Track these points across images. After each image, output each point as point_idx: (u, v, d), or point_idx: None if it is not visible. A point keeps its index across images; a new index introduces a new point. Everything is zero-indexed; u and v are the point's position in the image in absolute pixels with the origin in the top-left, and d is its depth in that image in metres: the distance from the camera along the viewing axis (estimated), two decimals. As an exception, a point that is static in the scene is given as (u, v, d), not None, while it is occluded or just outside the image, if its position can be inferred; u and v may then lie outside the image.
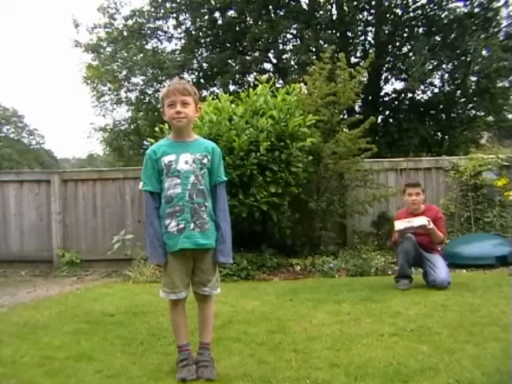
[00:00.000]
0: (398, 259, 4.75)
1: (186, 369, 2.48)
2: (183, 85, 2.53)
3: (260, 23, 13.66)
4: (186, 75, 15.32)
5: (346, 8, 13.74)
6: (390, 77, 14.47)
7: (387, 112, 14.78)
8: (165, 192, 2.51)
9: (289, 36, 14.73)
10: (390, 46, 14.06)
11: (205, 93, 14.54)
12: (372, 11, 13.95)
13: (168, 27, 15.51)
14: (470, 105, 13.86)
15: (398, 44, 14.21)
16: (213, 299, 2.66)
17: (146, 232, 2.57)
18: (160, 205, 2.54)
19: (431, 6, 13.27)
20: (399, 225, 4.66)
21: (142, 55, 15.01)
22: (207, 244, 2.52)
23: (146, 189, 2.56)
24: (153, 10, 14.70)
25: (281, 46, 14.66)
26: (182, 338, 2.59)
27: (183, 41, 15.47)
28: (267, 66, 15.25)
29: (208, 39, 14.92)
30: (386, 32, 13.74)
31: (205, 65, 14.46)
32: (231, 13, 14.44)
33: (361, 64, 7.40)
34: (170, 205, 2.49)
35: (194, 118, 2.61)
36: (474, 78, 13.35)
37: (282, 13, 14.00)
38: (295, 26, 13.39)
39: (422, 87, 13.58)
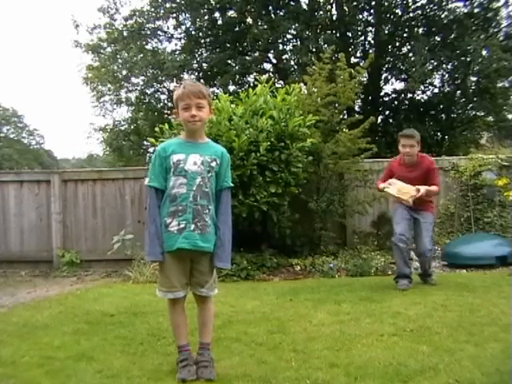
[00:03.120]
0: (396, 259, 4.77)
1: (186, 369, 2.48)
2: (198, 87, 2.53)
3: (260, 23, 13.67)
4: (185, 75, 15.33)
5: (345, 8, 13.73)
6: (390, 77, 14.47)
7: (387, 112, 14.78)
8: (169, 190, 2.50)
9: (289, 36, 14.73)
10: (390, 46, 14.06)
11: (205, 93, 14.53)
12: (372, 11, 13.95)
13: (168, 27, 15.53)
14: (470, 105, 13.86)
15: (398, 44, 14.20)
16: (212, 300, 2.66)
17: (147, 228, 2.56)
18: (161, 200, 2.54)
19: (431, 6, 13.27)
20: (392, 190, 4.61)
21: (141, 55, 15.02)
22: (205, 247, 2.51)
23: (151, 184, 2.54)
24: (153, 10, 14.70)
25: (281, 47, 14.67)
26: (181, 338, 2.59)
27: (183, 41, 15.47)
28: (267, 66, 15.27)
29: (208, 39, 14.92)
30: (386, 32, 13.73)
31: (205, 65, 14.45)
32: (231, 13, 14.44)
33: (361, 64, 7.40)
34: (174, 204, 2.48)
35: (207, 119, 2.63)
36: (473, 78, 13.34)
37: (281, 13, 14.00)
38: (295, 26, 13.38)
39: (422, 87, 13.58)
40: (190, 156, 2.50)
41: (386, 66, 14.32)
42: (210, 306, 2.65)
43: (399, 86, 14.64)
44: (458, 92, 13.73)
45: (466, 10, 12.99)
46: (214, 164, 2.54)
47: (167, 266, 2.53)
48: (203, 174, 2.50)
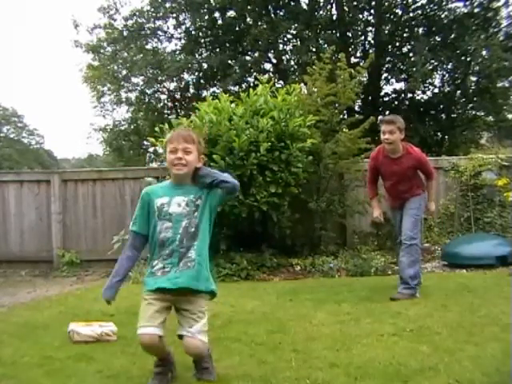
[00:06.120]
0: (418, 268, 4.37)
1: (159, 378, 2.40)
2: (188, 131, 2.52)
3: (260, 23, 13.67)
4: (185, 75, 15.33)
5: (346, 8, 13.74)
6: (390, 77, 14.47)
7: (387, 112, 14.73)
8: (157, 235, 2.42)
9: (289, 36, 14.74)
10: (390, 46, 14.05)
11: (205, 93, 14.56)
12: (372, 11, 13.95)
13: (168, 27, 15.52)
14: (470, 105, 13.85)
15: (398, 44, 14.20)
16: (201, 340, 2.37)
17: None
18: (141, 245, 2.51)
19: (431, 6, 13.27)
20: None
21: (141, 55, 15.02)
22: (187, 284, 2.35)
23: (132, 228, 2.52)
24: (153, 10, 14.70)
25: (281, 47, 14.67)
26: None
27: (183, 41, 15.47)
28: (267, 66, 15.27)
29: (208, 39, 14.92)
30: (386, 32, 13.74)
31: (205, 65, 14.46)
32: (231, 13, 14.44)
33: (361, 64, 7.40)
34: (161, 248, 2.41)
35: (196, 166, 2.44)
36: (473, 78, 13.35)
37: (281, 13, 14.00)
38: (295, 26, 13.39)
39: (422, 87, 13.59)
40: (173, 198, 2.43)
41: (386, 66, 14.31)
42: (199, 344, 2.36)
43: (399, 86, 14.65)
44: (458, 92, 13.73)
45: (466, 10, 13.00)
46: (198, 202, 2.42)
47: (144, 302, 2.43)
48: (189, 216, 2.40)
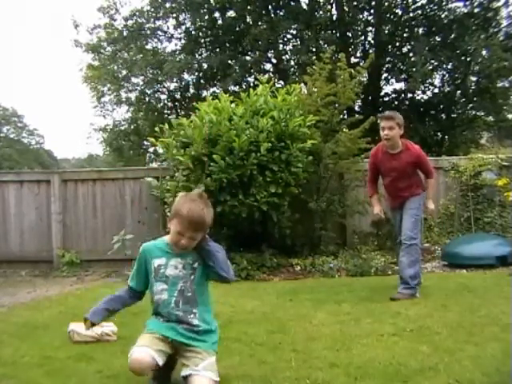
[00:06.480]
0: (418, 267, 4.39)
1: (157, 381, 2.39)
2: (202, 219, 2.27)
3: (260, 23, 13.68)
4: (186, 75, 15.34)
5: (346, 8, 13.75)
6: (390, 77, 14.48)
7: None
8: (153, 295, 2.40)
9: (289, 36, 14.75)
10: (390, 46, 14.07)
11: (205, 93, 14.56)
12: (372, 11, 13.96)
13: (168, 27, 15.57)
14: (470, 105, 13.88)
15: (397, 44, 14.22)
16: (210, 379, 2.21)
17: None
18: (137, 298, 2.51)
19: (431, 6, 13.30)
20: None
21: (141, 55, 15.04)
22: (195, 343, 2.30)
23: (129, 284, 2.51)
24: (153, 10, 14.72)
25: (281, 47, 14.68)
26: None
27: (183, 41, 15.50)
28: (267, 66, 15.29)
29: (208, 39, 14.94)
30: (386, 32, 13.75)
31: (205, 65, 14.47)
32: (231, 13, 14.45)
33: (361, 64, 7.40)
34: (158, 309, 2.40)
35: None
36: (473, 78, 13.37)
37: (281, 13, 14.01)
38: (295, 26, 13.40)
39: (422, 87, 13.61)
40: (170, 260, 2.37)
41: (386, 66, 14.34)
42: (206, 383, 2.20)
43: (399, 86, 14.67)
44: (458, 92, 13.75)
45: (466, 10, 13.03)
46: (196, 265, 2.37)
47: (145, 332, 2.39)
48: (186, 278, 2.35)
